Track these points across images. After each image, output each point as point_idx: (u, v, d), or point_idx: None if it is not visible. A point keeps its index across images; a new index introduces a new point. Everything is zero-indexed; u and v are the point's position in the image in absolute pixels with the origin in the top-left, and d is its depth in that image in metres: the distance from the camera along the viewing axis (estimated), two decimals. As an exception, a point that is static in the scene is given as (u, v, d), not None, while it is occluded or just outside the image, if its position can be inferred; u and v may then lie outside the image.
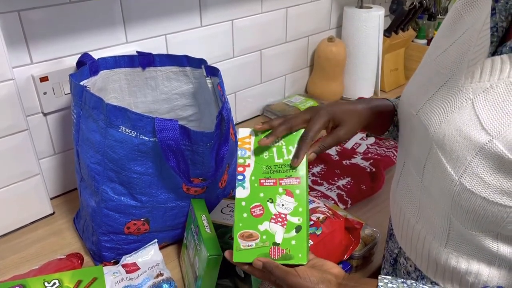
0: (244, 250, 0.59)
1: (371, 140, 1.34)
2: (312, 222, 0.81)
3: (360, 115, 0.70)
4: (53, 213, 1.05)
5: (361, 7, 1.52)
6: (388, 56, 1.65)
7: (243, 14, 1.30)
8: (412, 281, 0.54)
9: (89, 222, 0.90)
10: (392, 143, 1.33)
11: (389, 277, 0.55)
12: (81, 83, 0.87)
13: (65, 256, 0.87)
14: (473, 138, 0.52)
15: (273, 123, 0.64)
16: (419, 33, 1.76)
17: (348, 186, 1.12)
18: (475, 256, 0.60)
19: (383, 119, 0.76)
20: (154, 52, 1.02)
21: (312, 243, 0.78)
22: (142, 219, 0.86)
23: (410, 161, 0.67)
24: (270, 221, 0.59)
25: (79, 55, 0.98)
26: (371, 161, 1.22)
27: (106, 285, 0.74)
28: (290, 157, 0.61)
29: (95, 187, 0.83)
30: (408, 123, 0.67)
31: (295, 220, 0.59)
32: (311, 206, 0.86)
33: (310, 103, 1.50)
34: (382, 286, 0.53)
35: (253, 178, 0.61)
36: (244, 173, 0.61)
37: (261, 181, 0.60)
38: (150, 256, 0.86)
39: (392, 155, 1.26)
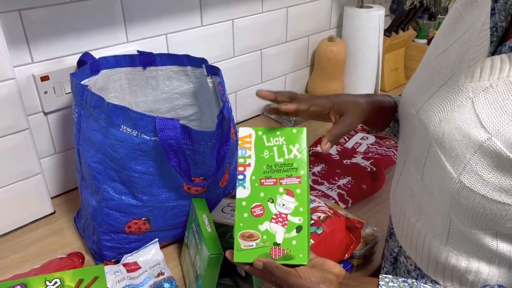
0: (244, 250, 0.58)
1: (372, 139, 1.34)
2: (313, 221, 0.81)
3: (362, 107, 0.71)
4: (54, 212, 1.05)
5: (361, 6, 1.52)
6: (388, 55, 1.65)
7: (243, 14, 1.30)
8: (413, 280, 0.54)
9: (90, 221, 0.90)
10: (393, 143, 1.33)
11: (390, 276, 0.55)
12: (82, 82, 0.87)
13: (66, 255, 0.87)
14: (472, 136, 0.52)
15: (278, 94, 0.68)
16: (420, 33, 1.76)
17: (349, 186, 1.12)
18: (475, 255, 0.60)
19: (384, 114, 0.76)
20: (154, 52, 1.02)
21: (313, 242, 0.78)
22: (143, 218, 0.86)
23: (410, 160, 0.67)
24: (271, 221, 0.59)
25: (80, 55, 0.98)
26: (372, 160, 1.22)
27: (107, 284, 0.74)
28: (291, 156, 0.60)
29: (96, 186, 0.83)
30: (408, 122, 0.67)
31: (296, 220, 0.59)
32: (312, 205, 0.87)
33: (311, 102, 1.50)
34: (383, 285, 0.53)
35: (253, 177, 0.60)
36: (245, 173, 0.61)
37: (262, 180, 0.60)
38: (151, 255, 0.86)
39: (393, 154, 1.26)
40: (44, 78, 0.96)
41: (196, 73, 1.02)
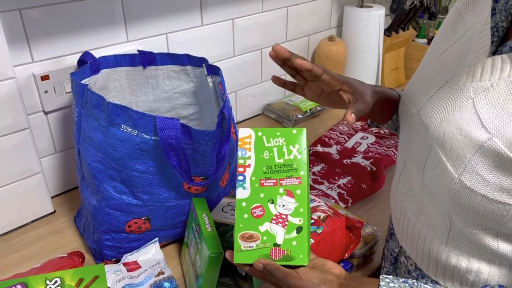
0: (244, 251, 0.58)
1: (372, 139, 1.34)
2: (313, 221, 0.81)
3: (370, 95, 0.69)
4: (54, 211, 1.05)
5: (361, 6, 1.52)
6: (388, 55, 1.65)
7: (243, 13, 1.30)
8: (414, 280, 0.54)
9: (90, 221, 0.90)
10: (393, 142, 1.33)
11: (391, 276, 0.55)
12: (82, 81, 0.87)
13: (66, 255, 0.87)
14: (473, 136, 0.52)
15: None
16: (420, 33, 1.76)
17: (349, 185, 1.12)
18: (476, 255, 0.60)
19: (388, 106, 0.75)
20: (155, 51, 1.02)
21: (313, 241, 0.78)
22: (143, 218, 0.86)
23: (410, 160, 0.67)
24: (271, 222, 0.59)
25: (80, 54, 0.98)
26: (372, 160, 1.22)
27: (108, 283, 0.74)
28: (291, 156, 0.60)
29: (96, 186, 0.84)
30: (409, 122, 0.67)
31: (296, 220, 0.58)
32: (312, 205, 0.87)
33: (310, 102, 1.50)
34: (383, 285, 0.53)
35: (253, 178, 0.60)
36: (245, 174, 0.61)
37: (262, 181, 0.60)
38: (151, 254, 0.86)
39: (393, 154, 1.26)
40: (45, 78, 0.96)
41: (196, 72, 1.02)
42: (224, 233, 0.81)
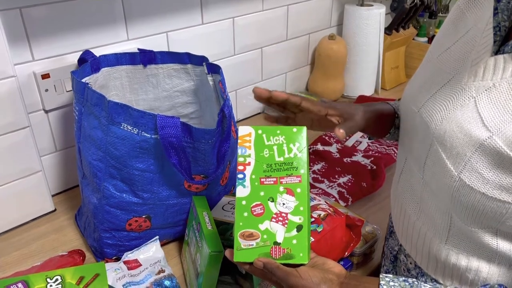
0: (244, 250, 0.58)
1: (372, 137, 1.34)
2: (313, 219, 0.81)
3: (361, 115, 0.72)
4: (55, 210, 1.05)
5: (362, 5, 1.52)
6: (388, 54, 1.65)
7: (244, 12, 1.30)
8: (414, 279, 0.54)
9: (90, 219, 0.90)
10: (393, 141, 1.33)
11: (391, 275, 0.55)
12: (83, 80, 0.88)
13: (66, 253, 0.87)
14: (473, 135, 0.52)
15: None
16: (420, 31, 1.76)
17: (349, 184, 1.12)
18: (475, 253, 0.61)
19: (384, 121, 0.76)
20: (155, 50, 1.02)
21: (313, 240, 0.78)
22: (143, 216, 0.86)
23: (411, 158, 0.67)
24: (271, 220, 0.59)
25: (81, 52, 0.98)
26: (372, 158, 1.22)
27: (108, 281, 0.74)
28: (291, 155, 0.60)
29: (97, 184, 0.84)
30: (409, 120, 0.67)
31: (296, 219, 0.58)
32: (312, 203, 0.87)
33: (311, 100, 1.50)
34: (384, 284, 0.53)
35: (253, 176, 0.60)
36: (245, 172, 0.60)
37: (262, 179, 0.60)
38: (151, 252, 0.86)
39: (393, 152, 1.26)
40: (45, 76, 0.96)
41: (196, 71, 1.02)
42: (225, 232, 0.81)
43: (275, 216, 0.59)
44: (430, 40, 1.78)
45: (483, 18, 0.58)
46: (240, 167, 0.60)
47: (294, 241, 0.58)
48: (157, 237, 0.88)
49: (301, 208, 0.58)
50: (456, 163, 0.54)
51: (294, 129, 0.61)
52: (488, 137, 0.51)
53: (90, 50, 0.98)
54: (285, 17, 1.43)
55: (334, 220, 0.83)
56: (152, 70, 1.03)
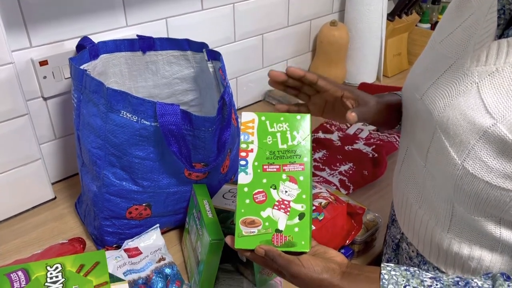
0: (246, 237, 0.58)
1: (373, 125, 1.33)
2: (314, 207, 0.81)
3: (373, 105, 0.70)
4: (55, 198, 1.05)
5: (364, -10, 1.50)
6: (391, 40, 1.63)
7: (244, -3, 1.29)
8: (415, 268, 0.54)
9: (90, 207, 0.90)
10: (395, 129, 1.32)
11: (392, 264, 0.55)
12: (81, 67, 0.86)
13: (67, 241, 0.87)
14: (477, 122, 0.52)
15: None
16: (423, 17, 1.74)
17: (350, 172, 1.12)
18: (478, 242, 0.60)
19: (394, 113, 0.75)
20: (154, 36, 1.01)
21: (314, 228, 0.77)
22: (143, 204, 0.85)
23: (413, 146, 0.66)
24: (273, 208, 0.58)
25: (79, 39, 0.96)
26: (374, 146, 1.22)
27: (109, 269, 0.74)
28: (295, 142, 0.60)
29: (96, 172, 0.83)
30: (412, 108, 0.66)
31: (299, 207, 0.58)
32: (313, 191, 0.86)
33: (312, 88, 1.49)
34: (385, 273, 0.53)
35: (256, 163, 0.60)
36: (247, 158, 0.60)
37: (264, 167, 0.59)
38: (152, 240, 0.86)
39: (395, 140, 1.25)
40: (43, 63, 0.95)
41: (196, 57, 1.01)
42: (225, 220, 0.81)
43: (277, 203, 0.58)
44: (433, 26, 1.76)
45: (486, 1, 0.57)
46: (243, 154, 0.60)
47: (296, 229, 0.57)
48: (158, 225, 0.88)
49: (304, 196, 0.58)
50: (460, 151, 0.53)
51: (298, 116, 0.60)
52: (492, 125, 0.50)
53: (89, 36, 0.97)
54: (286, 3, 1.41)
55: (335, 208, 0.83)
56: (151, 57, 1.01)
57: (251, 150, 0.60)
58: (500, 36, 0.54)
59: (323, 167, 1.14)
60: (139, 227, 0.88)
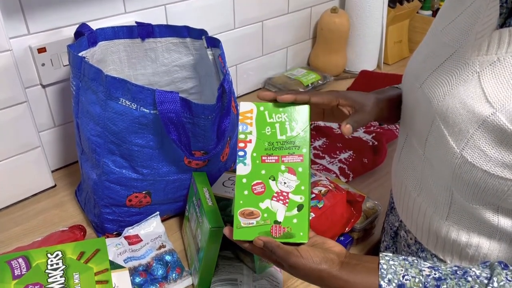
0: (244, 228, 0.58)
1: (373, 113, 1.33)
2: (313, 195, 0.81)
3: (374, 104, 0.68)
4: (55, 185, 1.05)
5: (365, -24, 1.48)
6: (392, 28, 1.62)
7: (244, -16, 1.27)
8: (414, 258, 0.54)
9: (90, 195, 0.90)
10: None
11: (391, 254, 0.55)
12: (80, 54, 0.86)
13: (67, 228, 0.88)
14: (476, 111, 0.51)
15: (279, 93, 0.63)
16: (425, 4, 1.72)
17: (350, 160, 1.12)
18: (476, 229, 0.60)
19: (396, 107, 0.73)
20: (153, 23, 1.00)
21: (313, 216, 0.78)
22: (143, 192, 0.86)
23: (412, 134, 0.66)
24: (272, 199, 0.58)
25: (77, 26, 0.95)
26: (373, 134, 1.22)
27: (109, 256, 0.74)
28: (294, 133, 0.59)
29: (96, 160, 0.83)
30: (411, 96, 0.66)
31: (297, 198, 0.58)
32: (313, 179, 0.86)
33: (312, 76, 1.48)
34: (383, 263, 0.53)
35: (254, 154, 0.59)
36: (245, 149, 0.59)
37: (263, 157, 0.59)
38: (152, 228, 0.86)
39: (395, 128, 1.25)
40: (41, 50, 0.95)
41: (195, 45, 1.00)
42: (225, 207, 0.81)
43: (276, 195, 0.58)
44: (434, 13, 1.74)
45: None
46: (241, 144, 0.59)
47: (295, 220, 0.57)
48: (158, 212, 0.88)
49: (302, 188, 0.58)
50: (459, 140, 0.53)
51: (297, 107, 0.60)
52: (491, 114, 0.50)
53: (87, 23, 0.96)
54: (287, -11, 1.39)
55: (335, 196, 0.83)
56: (150, 44, 1.01)
57: (250, 141, 0.59)
58: (502, 25, 0.54)
59: (323, 155, 1.14)
60: (139, 215, 0.89)
